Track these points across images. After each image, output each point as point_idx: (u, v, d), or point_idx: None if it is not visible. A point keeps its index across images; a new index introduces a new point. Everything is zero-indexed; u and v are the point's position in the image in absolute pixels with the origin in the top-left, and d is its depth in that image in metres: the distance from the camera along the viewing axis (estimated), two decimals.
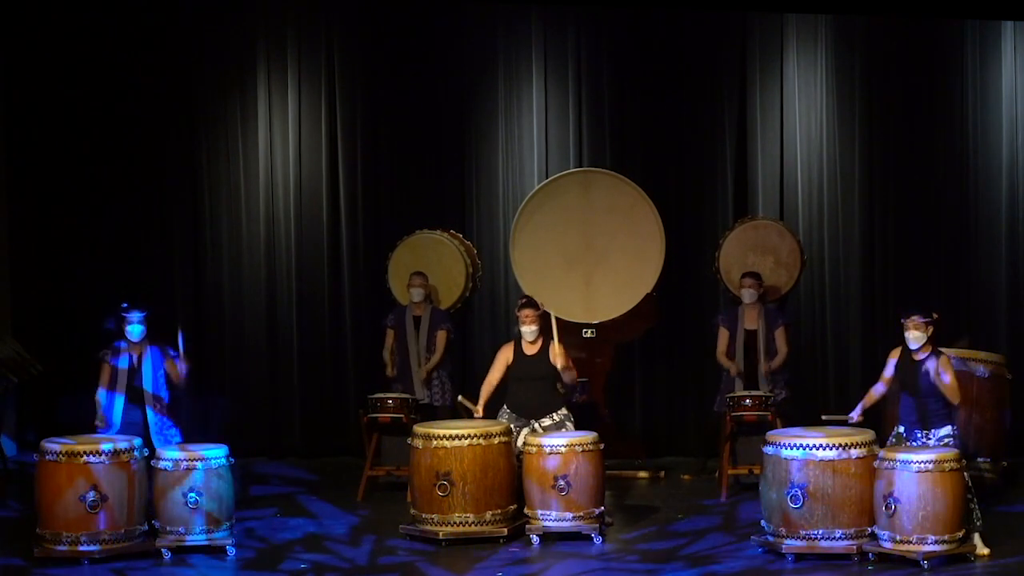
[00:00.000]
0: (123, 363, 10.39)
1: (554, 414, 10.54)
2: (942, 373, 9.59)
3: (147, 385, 10.33)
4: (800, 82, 13.39)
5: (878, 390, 9.92)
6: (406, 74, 13.66)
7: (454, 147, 13.73)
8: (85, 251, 13.69)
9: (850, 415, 9.82)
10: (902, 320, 9.69)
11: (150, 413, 10.36)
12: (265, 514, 11.10)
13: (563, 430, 10.44)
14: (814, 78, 13.39)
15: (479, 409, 10.51)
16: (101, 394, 10.36)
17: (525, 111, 13.60)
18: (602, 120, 13.56)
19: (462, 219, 13.61)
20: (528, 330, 10.57)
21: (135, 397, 10.35)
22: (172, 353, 10.51)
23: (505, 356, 10.69)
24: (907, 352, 9.74)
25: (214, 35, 13.75)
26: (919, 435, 9.66)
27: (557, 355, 10.48)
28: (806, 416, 11.12)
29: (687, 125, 13.56)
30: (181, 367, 10.39)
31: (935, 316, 9.70)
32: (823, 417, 10.03)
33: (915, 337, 9.64)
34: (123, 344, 10.41)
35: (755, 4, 13.16)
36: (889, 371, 9.86)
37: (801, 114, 13.39)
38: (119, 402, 10.36)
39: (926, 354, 9.66)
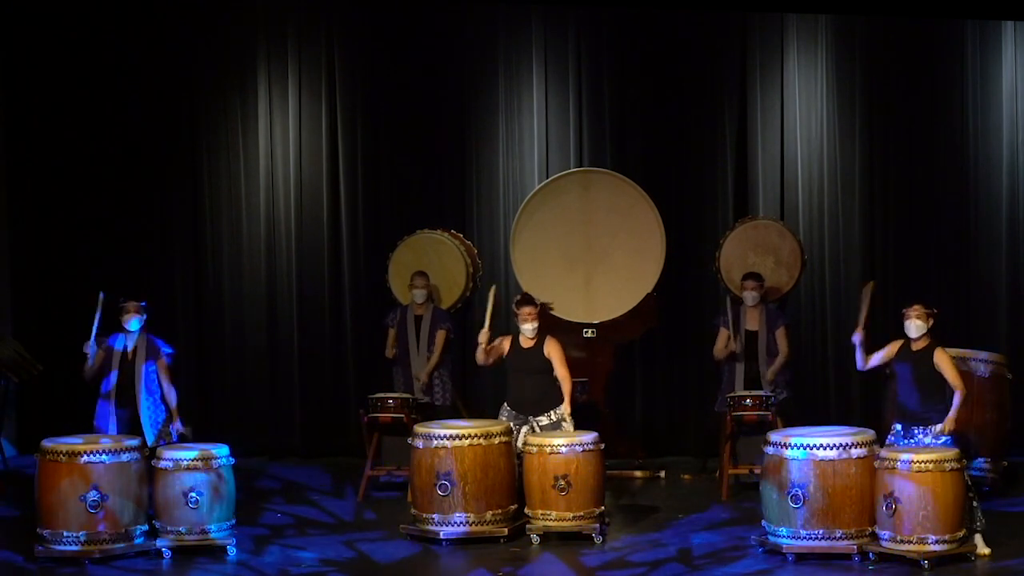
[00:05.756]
0: (118, 345, 10.57)
1: (552, 412, 10.55)
2: (941, 366, 9.63)
3: (138, 376, 10.42)
4: (800, 82, 13.38)
5: (872, 359, 10.01)
6: (406, 74, 13.66)
7: (454, 147, 13.73)
8: (85, 251, 13.69)
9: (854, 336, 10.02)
10: (904, 311, 9.74)
11: (142, 402, 10.42)
12: (265, 514, 11.10)
13: (559, 429, 10.44)
14: (814, 78, 13.38)
15: (485, 331, 10.63)
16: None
17: (525, 111, 13.59)
18: (602, 120, 13.55)
19: (462, 219, 13.60)
20: (528, 327, 10.60)
21: (127, 386, 10.44)
22: (167, 350, 10.61)
23: (502, 344, 10.73)
24: (906, 346, 9.77)
25: (214, 35, 13.75)
26: (916, 432, 9.68)
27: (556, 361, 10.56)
28: (806, 416, 11.12)
29: (687, 125, 13.56)
30: (171, 395, 10.57)
31: (935, 311, 9.77)
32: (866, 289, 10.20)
33: (916, 326, 9.71)
34: (114, 341, 10.62)
35: (755, 4, 13.16)
36: (880, 356, 9.94)
37: (801, 114, 13.38)
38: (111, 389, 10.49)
39: (925, 345, 9.70)
